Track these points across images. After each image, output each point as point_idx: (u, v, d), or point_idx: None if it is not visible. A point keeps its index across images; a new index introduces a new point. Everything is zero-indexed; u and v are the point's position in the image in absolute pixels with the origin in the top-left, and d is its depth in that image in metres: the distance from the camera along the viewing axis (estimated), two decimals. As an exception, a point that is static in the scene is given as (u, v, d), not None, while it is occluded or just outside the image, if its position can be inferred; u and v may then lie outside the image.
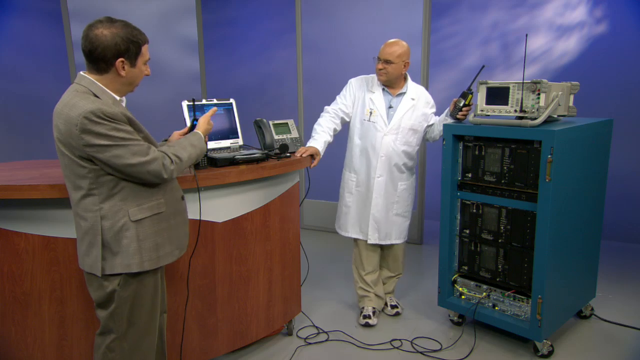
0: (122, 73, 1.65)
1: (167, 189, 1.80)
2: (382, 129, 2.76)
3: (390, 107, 2.80)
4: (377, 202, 2.83)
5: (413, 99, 2.79)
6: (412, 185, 2.94)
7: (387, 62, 2.69)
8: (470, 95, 2.63)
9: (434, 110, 2.90)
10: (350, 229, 2.94)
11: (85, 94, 1.61)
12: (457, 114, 2.68)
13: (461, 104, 2.65)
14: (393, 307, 3.06)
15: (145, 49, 1.71)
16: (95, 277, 1.72)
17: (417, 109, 2.80)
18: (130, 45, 1.64)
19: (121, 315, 1.74)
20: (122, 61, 1.63)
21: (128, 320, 1.76)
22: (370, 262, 2.96)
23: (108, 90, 1.66)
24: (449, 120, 2.74)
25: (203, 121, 1.97)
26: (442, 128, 2.73)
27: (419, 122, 2.81)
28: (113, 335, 1.75)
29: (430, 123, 2.87)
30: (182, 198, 1.89)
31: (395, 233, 2.91)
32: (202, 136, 1.91)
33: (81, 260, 1.75)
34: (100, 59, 1.62)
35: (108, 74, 1.65)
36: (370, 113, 2.79)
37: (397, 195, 2.86)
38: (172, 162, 1.71)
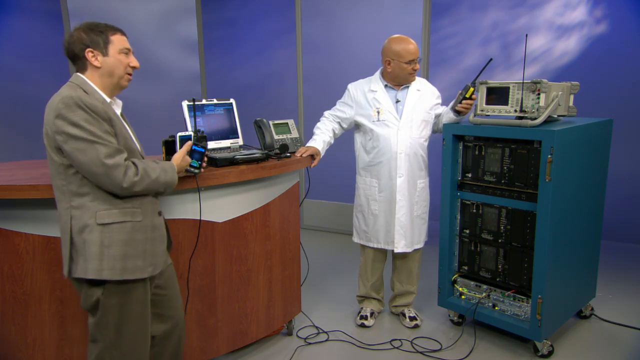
0: (95, 63, 1.68)
1: (145, 199, 1.73)
2: (394, 125, 2.68)
3: (397, 101, 2.72)
4: (402, 205, 2.72)
5: (419, 90, 2.73)
6: (427, 184, 2.84)
7: (420, 60, 2.68)
8: (471, 89, 2.53)
9: (439, 101, 2.82)
10: (382, 239, 2.81)
11: (75, 86, 1.65)
12: (456, 105, 2.60)
13: (461, 97, 2.57)
14: (412, 318, 2.90)
15: (116, 38, 1.71)
16: (80, 283, 1.69)
17: (425, 100, 2.73)
18: (93, 35, 1.67)
19: (107, 324, 1.69)
20: (91, 51, 1.67)
21: (116, 330, 1.70)
22: (376, 272, 2.94)
23: (99, 91, 1.69)
24: (451, 114, 2.66)
25: (178, 156, 1.86)
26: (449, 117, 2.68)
27: (428, 112, 2.73)
28: (101, 345, 1.71)
29: (438, 113, 2.78)
30: (160, 214, 1.82)
31: (416, 237, 2.82)
32: (175, 167, 1.80)
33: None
34: (74, 56, 1.69)
35: (89, 69, 1.70)
36: (378, 112, 2.70)
37: (417, 195, 2.77)
38: (136, 173, 1.63)
